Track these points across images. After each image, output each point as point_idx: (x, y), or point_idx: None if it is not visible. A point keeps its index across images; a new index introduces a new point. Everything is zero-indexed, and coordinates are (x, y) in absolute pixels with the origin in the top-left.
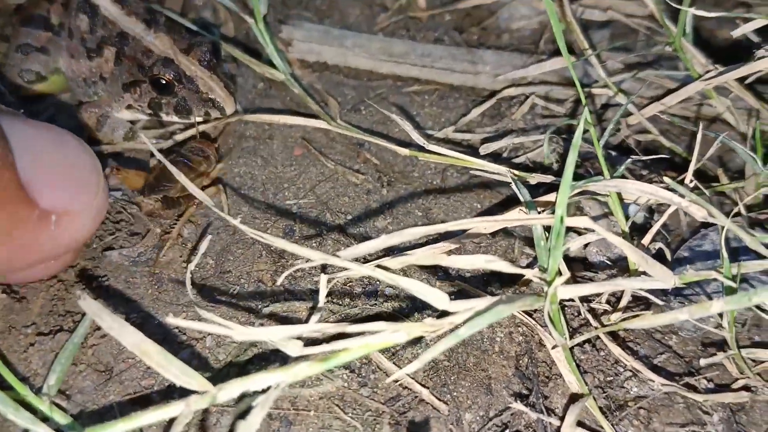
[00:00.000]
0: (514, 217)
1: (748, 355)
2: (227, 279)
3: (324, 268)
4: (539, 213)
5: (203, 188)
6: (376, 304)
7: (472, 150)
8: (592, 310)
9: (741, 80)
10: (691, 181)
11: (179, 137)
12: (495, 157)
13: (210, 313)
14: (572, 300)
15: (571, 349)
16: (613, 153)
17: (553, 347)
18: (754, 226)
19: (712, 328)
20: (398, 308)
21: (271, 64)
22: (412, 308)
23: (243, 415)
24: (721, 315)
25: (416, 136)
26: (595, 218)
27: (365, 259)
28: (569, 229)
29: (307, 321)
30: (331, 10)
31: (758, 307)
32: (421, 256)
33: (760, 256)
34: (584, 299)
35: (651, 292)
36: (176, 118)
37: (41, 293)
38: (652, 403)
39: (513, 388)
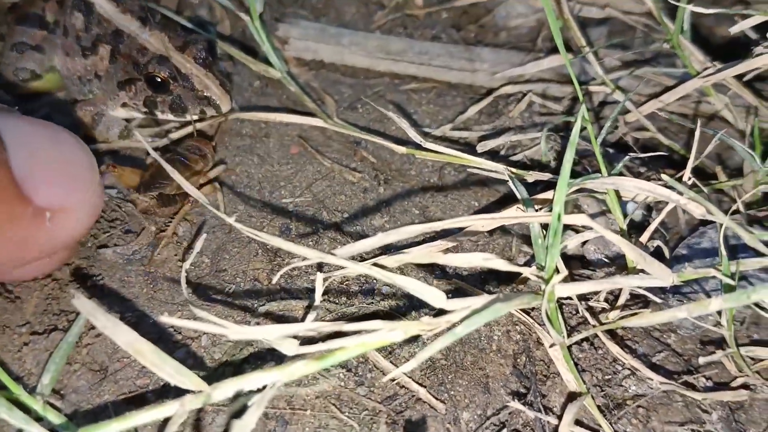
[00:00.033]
0: (511, 215)
1: (747, 353)
2: (223, 278)
3: (320, 267)
4: (537, 211)
5: (200, 187)
6: (372, 302)
7: (469, 148)
8: (590, 309)
9: (739, 77)
10: (690, 178)
11: (175, 135)
12: (492, 155)
13: (205, 312)
14: (570, 298)
15: (569, 347)
16: (611, 150)
17: (551, 346)
18: (753, 223)
19: (711, 326)
20: (395, 307)
21: (268, 62)
22: (409, 307)
23: (238, 414)
24: (719, 313)
25: (413, 134)
26: (592, 216)
27: (362, 258)
28: (567, 227)
29: (303, 320)
30: (327, 8)
31: (757, 304)
32: (418, 254)
33: (758, 254)
34: (582, 297)
35: (649, 290)
36: (171, 116)
37: (35, 292)
38: (650, 401)
39: (511, 387)
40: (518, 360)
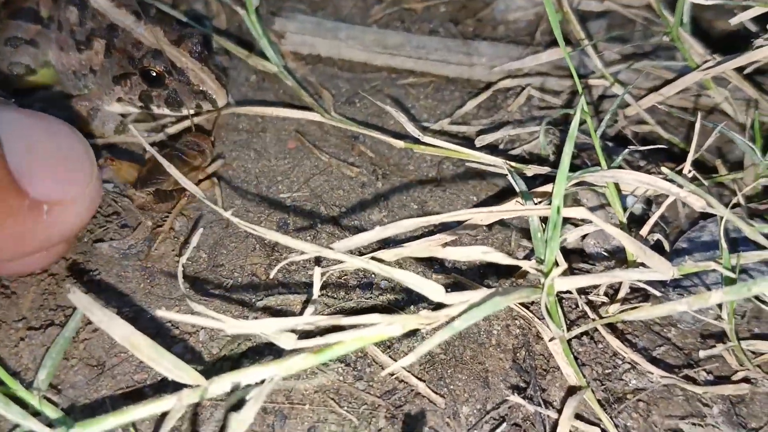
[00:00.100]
0: (510, 209)
1: (748, 347)
2: (220, 272)
3: (318, 261)
4: (536, 204)
5: (198, 182)
6: (371, 296)
7: (467, 142)
8: (589, 302)
9: (739, 70)
10: (690, 171)
11: (171, 130)
12: (491, 149)
13: (203, 306)
14: (569, 292)
15: (569, 341)
16: (611, 144)
17: (551, 339)
18: (753, 216)
19: (712, 320)
20: (393, 301)
21: (264, 57)
22: (407, 301)
23: (236, 408)
24: (720, 306)
25: (411, 129)
26: (592, 209)
27: (360, 252)
28: (566, 221)
29: (301, 314)
30: (324, 2)
31: (758, 298)
32: (417, 248)
33: (759, 247)
34: (582, 291)
35: (649, 283)
36: (167, 111)
37: (32, 287)
38: (651, 395)
39: (510, 381)
40: (518, 354)
